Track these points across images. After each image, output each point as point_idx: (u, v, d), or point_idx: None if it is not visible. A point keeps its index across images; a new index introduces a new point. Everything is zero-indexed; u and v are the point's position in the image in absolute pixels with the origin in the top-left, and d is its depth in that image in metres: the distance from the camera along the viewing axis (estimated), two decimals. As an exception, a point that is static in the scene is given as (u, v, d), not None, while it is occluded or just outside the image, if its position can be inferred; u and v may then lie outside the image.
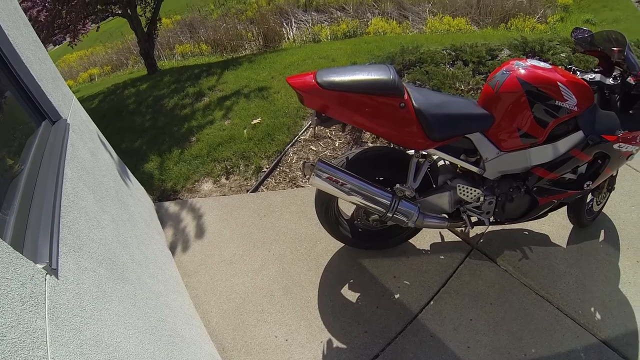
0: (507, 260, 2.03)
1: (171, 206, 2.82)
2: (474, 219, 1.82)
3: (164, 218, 2.74)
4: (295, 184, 2.81)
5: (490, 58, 3.42)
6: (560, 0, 8.13)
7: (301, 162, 1.67)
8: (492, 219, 1.84)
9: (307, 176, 1.58)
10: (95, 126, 2.23)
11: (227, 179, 3.02)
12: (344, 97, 1.41)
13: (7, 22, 1.49)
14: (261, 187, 2.88)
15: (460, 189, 1.73)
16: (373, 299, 1.94)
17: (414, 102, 1.47)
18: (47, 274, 0.93)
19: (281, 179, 2.90)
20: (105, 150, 2.18)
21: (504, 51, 3.59)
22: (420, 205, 1.71)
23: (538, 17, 7.27)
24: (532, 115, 1.54)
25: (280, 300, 2.02)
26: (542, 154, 1.64)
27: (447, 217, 1.83)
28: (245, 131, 3.38)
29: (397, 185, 1.65)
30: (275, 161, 3.02)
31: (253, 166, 3.03)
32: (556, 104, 1.52)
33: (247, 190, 2.85)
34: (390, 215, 1.64)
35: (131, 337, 1.21)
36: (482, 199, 1.74)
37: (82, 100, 5.39)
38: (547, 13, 7.62)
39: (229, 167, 3.06)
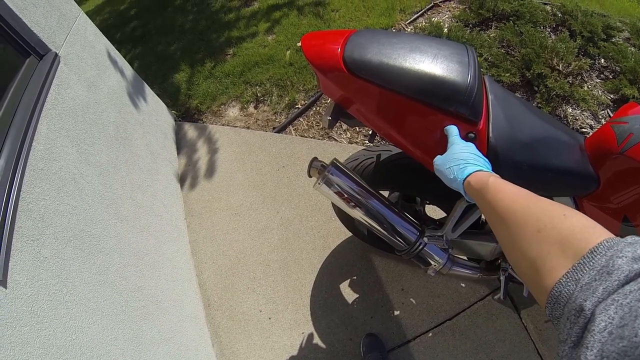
0: (532, 318, 1.58)
1: (191, 129, 2.58)
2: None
3: (181, 141, 2.52)
4: (328, 134, 2.40)
5: (605, 38, 2.47)
6: None
7: (310, 158, 1.16)
8: None
9: (312, 178, 1.10)
10: (107, 42, 1.87)
11: (255, 107, 2.65)
12: (380, 94, 0.85)
13: None
14: (290, 127, 2.50)
15: None
16: (371, 306, 1.65)
17: (490, 136, 0.85)
18: None
19: (314, 122, 2.48)
20: (116, 70, 1.86)
21: (623, 33, 2.57)
22: (451, 252, 1.22)
23: None
24: None
25: (274, 274, 1.81)
26: None
27: (478, 266, 1.33)
28: (288, 53, 2.87)
29: (428, 232, 1.13)
30: (313, 98, 2.57)
31: (287, 99, 2.61)
32: None
33: (274, 128, 2.49)
34: (408, 257, 1.18)
35: (91, 327, 1.08)
36: None
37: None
38: None
39: (260, 94, 2.67)
